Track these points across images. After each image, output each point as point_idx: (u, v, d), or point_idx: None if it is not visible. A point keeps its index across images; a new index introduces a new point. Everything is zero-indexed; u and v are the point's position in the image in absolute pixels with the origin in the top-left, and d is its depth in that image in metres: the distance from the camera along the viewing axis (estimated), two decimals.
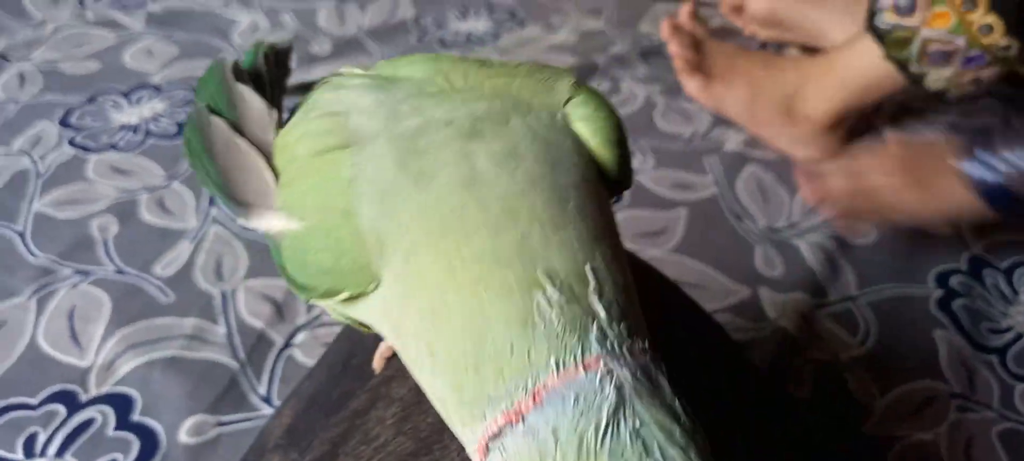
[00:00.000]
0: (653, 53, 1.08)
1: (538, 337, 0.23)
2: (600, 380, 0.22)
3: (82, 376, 0.66)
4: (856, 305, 0.74)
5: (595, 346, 0.23)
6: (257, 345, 0.69)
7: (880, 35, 0.80)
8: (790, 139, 0.90)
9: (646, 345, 0.24)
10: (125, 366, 0.67)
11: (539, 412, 0.22)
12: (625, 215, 0.83)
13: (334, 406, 0.34)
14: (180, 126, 0.97)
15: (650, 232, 0.82)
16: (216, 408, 0.64)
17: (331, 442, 0.31)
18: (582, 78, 1.02)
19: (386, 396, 0.32)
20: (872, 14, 0.80)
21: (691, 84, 0.93)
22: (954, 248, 0.80)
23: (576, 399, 0.21)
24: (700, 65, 0.92)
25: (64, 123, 0.97)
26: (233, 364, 0.68)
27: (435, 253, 0.25)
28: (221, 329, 0.71)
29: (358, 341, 0.38)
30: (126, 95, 1.03)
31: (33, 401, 0.64)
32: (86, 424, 0.63)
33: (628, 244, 0.78)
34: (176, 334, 0.70)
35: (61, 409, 0.64)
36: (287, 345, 0.69)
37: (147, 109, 1.00)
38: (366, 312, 0.28)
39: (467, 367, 0.24)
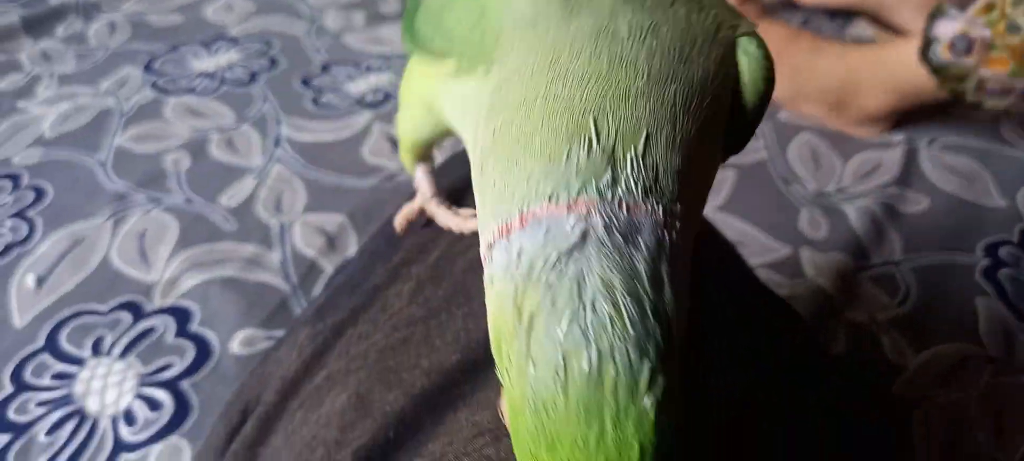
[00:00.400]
0: None
1: (552, 172, 0.24)
2: (574, 221, 0.23)
3: (148, 289, 0.71)
4: (899, 269, 0.73)
5: (593, 192, 0.23)
6: (309, 272, 0.73)
7: (934, 68, 0.78)
8: (840, 122, 0.89)
9: (663, 211, 0.24)
10: (187, 282, 0.71)
11: (520, 233, 0.23)
12: None
13: (357, 284, 0.37)
14: (253, 75, 1.02)
15: None
16: (266, 324, 0.68)
17: (351, 310, 0.34)
18: None
19: (405, 274, 0.34)
20: (927, 44, 0.79)
21: None
22: (1008, 220, 0.78)
23: (547, 231, 0.23)
24: None
25: (147, 68, 1.03)
26: (285, 287, 0.72)
27: (529, 82, 0.26)
28: (277, 256, 0.75)
29: (384, 241, 0.41)
30: (205, 45, 1.08)
31: (103, 308, 0.69)
32: (148, 331, 0.67)
33: None
34: (235, 257, 0.74)
35: (127, 317, 0.69)
36: (337, 274, 0.73)
37: (223, 59, 1.05)
38: (455, 98, 0.30)
39: (496, 182, 0.25)
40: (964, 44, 0.75)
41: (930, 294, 0.70)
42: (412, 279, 0.34)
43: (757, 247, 0.75)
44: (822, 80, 0.88)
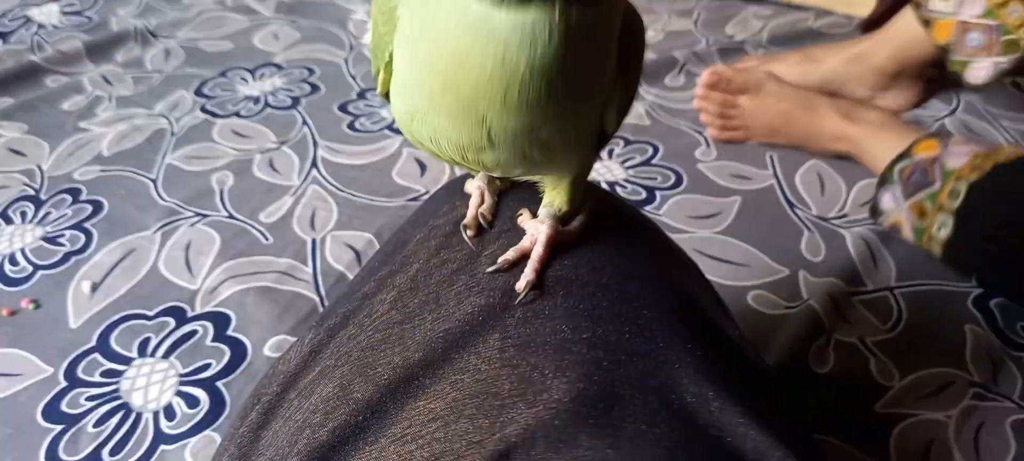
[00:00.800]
0: (732, 51, 1.13)
1: None
2: None
3: (191, 297, 0.78)
4: (892, 294, 0.76)
5: None
6: (336, 284, 0.79)
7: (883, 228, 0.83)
8: None
9: None
10: (226, 291, 0.78)
11: None
12: (681, 199, 0.89)
13: (352, 293, 0.42)
14: (294, 100, 1.09)
15: (703, 215, 0.87)
16: (296, 330, 0.74)
17: (344, 315, 0.40)
18: (660, 72, 1.07)
19: (389, 284, 0.40)
20: (875, 208, 0.83)
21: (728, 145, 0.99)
22: None
23: None
24: (735, 129, 0.97)
25: (198, 92, 1.11)
26: (315, 297, 0.78)
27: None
28: (308, 269, 0.81)
29: (379, 258, 0.46)
30: (252, 71, 1.16)
31: (150, 313, 0.76)
32: (190, 334, 0.74)
33: (680, 224, 0.83)
34: (271, 269, 0.81)
35: (171, 321, 0.75)
36: None
37: (268, 84, 1.13)
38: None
39: None
40: (898, 233, 0.80)
41: (921, 320, 0.73)
42: (395, 288, 0.39)
43: (758, 268, 0.79)
44: (821, 151, 0.93)
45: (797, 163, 0.94)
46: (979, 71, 0.88)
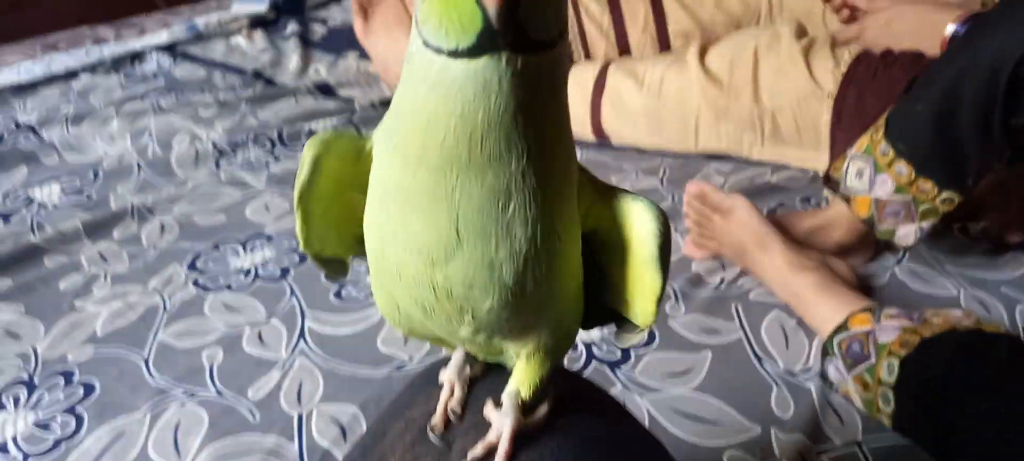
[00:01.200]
0: None
1: None
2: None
3: None
4: (860, 449, 0.78)
5: None
6: None
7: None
8: None
9: None
10: None
11: None
12: (655, 356, 0.92)
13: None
14: (284, 271, 1.13)
15: (676, 372, 0.90)
16: None
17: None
18: None
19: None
20: (823, 375, 0.87)
21: (698, 255, 1.08)
22: None
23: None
24: (710, 240, 1.06)
25: (191, 266, 1.16)
26: None
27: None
28: (294, 447, 0.83)
29: (358, 452, 0.50)
30: (243, 244, 1.21)
31: None
32: None
33: (655, 383, 0.86)
34: (258, 449, 0.83)
35: None
36: None
37: (259, 256, 1.18)
38: None
39: None
40: (851, 402, 0.84)
41: None
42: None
43: (731, 426, 0.82)
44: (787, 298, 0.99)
45: (761, 314, 0.97)
46: (906, 237, 0.95)
